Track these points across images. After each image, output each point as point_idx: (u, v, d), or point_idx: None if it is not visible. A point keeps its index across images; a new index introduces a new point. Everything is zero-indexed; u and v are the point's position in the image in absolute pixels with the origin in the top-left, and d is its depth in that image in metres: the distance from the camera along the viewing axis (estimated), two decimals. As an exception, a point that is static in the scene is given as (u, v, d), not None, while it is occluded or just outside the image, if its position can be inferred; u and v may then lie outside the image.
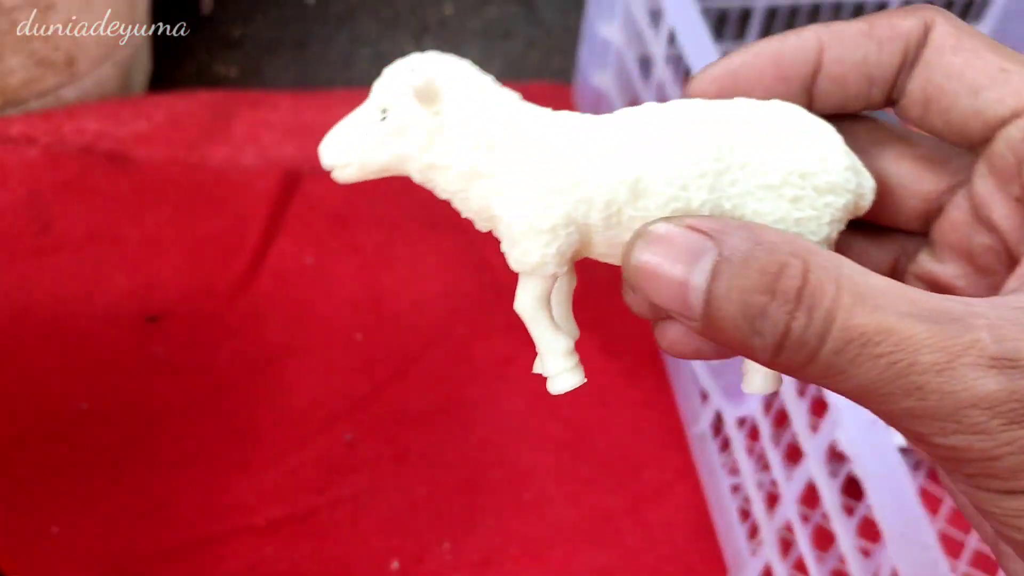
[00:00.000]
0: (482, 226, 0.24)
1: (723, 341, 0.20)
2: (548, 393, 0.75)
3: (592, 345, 0.67)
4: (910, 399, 0.18)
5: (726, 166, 0.21)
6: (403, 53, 0.24)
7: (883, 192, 0.23)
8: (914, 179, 0.23)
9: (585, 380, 0.25)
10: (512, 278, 0.23)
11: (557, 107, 0.24)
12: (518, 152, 0.22)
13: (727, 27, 0.80)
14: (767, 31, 0.81)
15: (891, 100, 0.23)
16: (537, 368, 0.25)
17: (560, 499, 0.60)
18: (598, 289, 0.71)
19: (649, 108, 0.23)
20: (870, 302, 0.18)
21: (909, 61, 0.22)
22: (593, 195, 0.22)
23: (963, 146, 0.22)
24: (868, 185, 0.22)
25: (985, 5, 0.85)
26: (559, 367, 0.24)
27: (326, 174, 0.24)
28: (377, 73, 0.25)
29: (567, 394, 0.75)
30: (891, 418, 0.19)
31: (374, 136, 0.23)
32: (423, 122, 0.22)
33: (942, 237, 0.23)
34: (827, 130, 0.22)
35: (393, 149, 0.23)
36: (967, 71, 0.21)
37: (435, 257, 0.69)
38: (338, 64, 0.85)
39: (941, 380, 0.17)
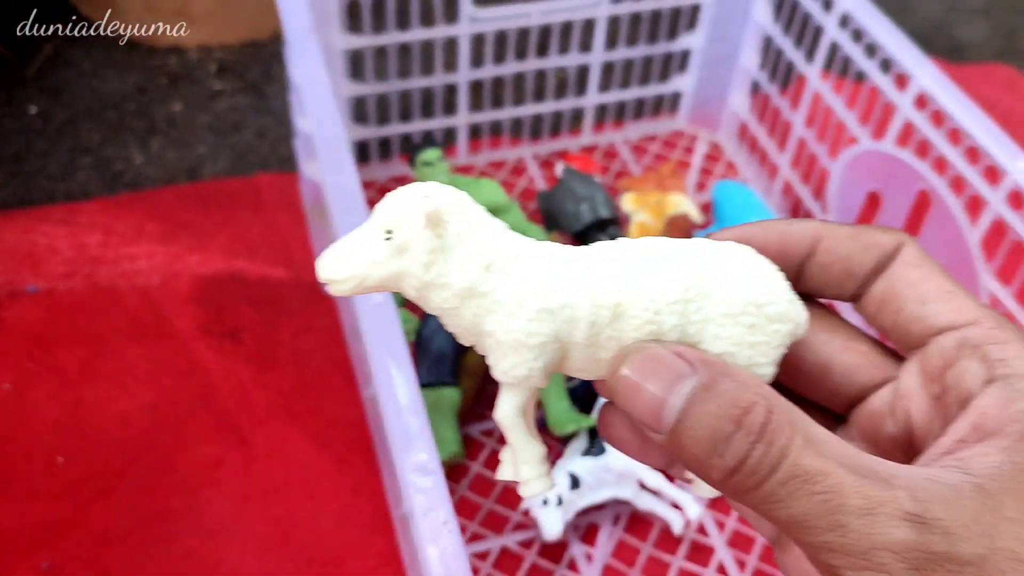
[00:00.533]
0: (466, 340, 0.26)
1: (681, 456, 0.23)
2: (255, 493, 0.74)
3: (304, 436, 0.68)
4: (832, 534, 0.21)
5: (693, 295, 0.24)
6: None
7: (824, 375, 0.27)
8: (856, 370, 0.27)
9: (554, 486, 0.27)
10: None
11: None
12: (513, 274, 0.25)
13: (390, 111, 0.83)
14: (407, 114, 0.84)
15: (855, 296, 0.27)
16: (505, 474, 0.27)
17: (264, 600, 0.61)
18: (309, 381, 0.72)
19: (624, 242, 0.26)
20: (816, 448, 0.22)
21: (879, 268, 0.26)
22: (579, 316, 0.24)
23: (900, 345, 0.27)
24: (804, 316, 0.26)
25: (696, 13, 0.91)
26: (534, 473, 0.26)
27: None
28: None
29: (277, 491, 0.74)
30: (810, 548, 0.22)
31: (378, 254, 0.25)
32: (427, 243, 0.25)
33: (858, 421, 0.27)
34: (772, 267, 0.26)
35: (395, 267, 0.25)
36: (921, 284, 0.26)
37: (142, 367, 0.70)
38: (58, 176, 0.84)
39: (862, 522, 0.21)
